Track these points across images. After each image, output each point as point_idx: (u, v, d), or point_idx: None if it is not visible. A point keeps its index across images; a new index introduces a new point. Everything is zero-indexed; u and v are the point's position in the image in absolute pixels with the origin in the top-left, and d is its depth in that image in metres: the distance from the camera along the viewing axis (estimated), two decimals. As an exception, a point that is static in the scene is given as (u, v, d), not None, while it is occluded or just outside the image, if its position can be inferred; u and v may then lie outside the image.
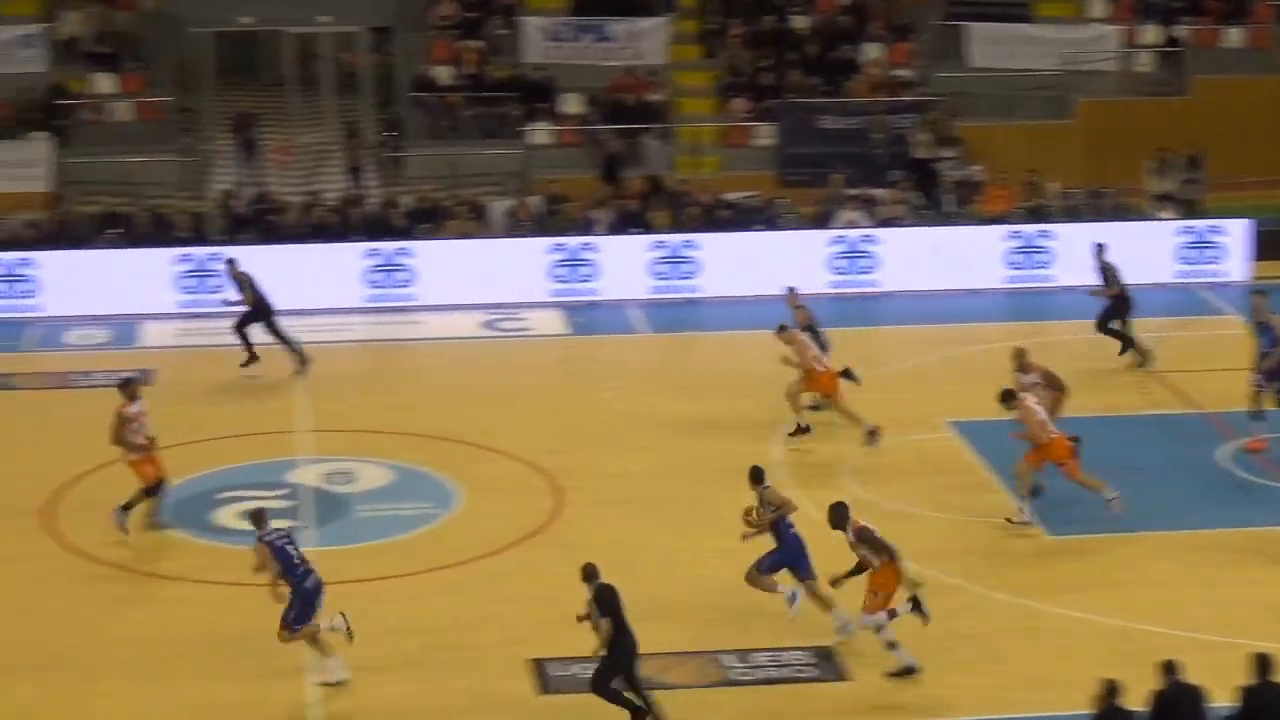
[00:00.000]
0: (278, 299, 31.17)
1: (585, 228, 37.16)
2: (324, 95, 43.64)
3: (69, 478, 26.37)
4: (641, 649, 19.12)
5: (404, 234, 36.62)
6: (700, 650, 20.98)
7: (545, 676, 20.44)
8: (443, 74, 41.20)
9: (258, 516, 20.70)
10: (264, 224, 36.88)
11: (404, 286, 35.64)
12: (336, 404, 29.93)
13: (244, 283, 31.23)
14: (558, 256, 36.09)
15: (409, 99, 41.47)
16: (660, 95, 41.27)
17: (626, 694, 19.19)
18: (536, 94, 40.99)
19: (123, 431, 24.33)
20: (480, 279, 35.59)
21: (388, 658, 20.55)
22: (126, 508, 24.26)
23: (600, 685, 19.22)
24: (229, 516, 25.06)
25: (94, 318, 34.11)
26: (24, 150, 38.50)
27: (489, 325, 34.73)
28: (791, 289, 29.78)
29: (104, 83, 40.37)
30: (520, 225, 37.38)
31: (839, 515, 20.58)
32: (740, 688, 20.29)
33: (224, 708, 19.89)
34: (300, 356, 31.20)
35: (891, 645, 20.18)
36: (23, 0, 42.14)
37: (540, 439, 27.91)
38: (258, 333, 31.24)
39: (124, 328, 33.90)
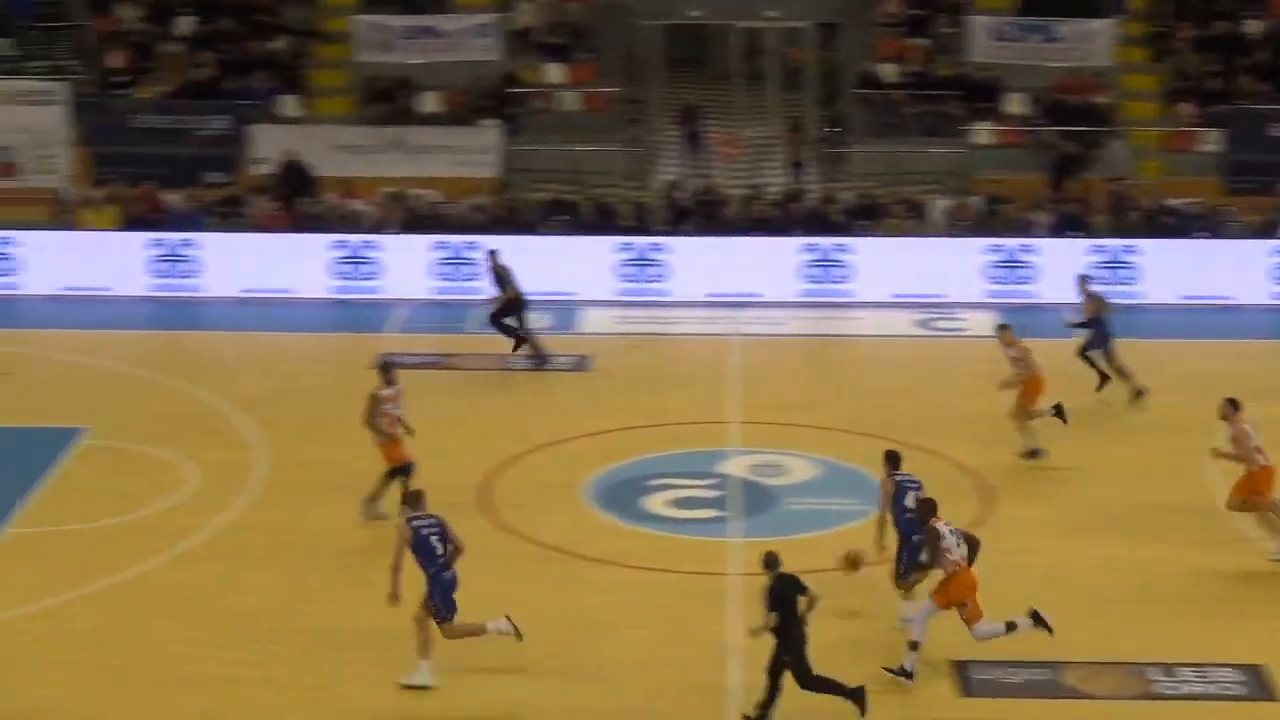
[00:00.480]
0: (719, 290, 31.43)
1: (1024, 229, 36.71)
2: (769, 90, 43.93)
3: (504, 457, 27.07)
4: (1063, 654, 18.82)
5: (842, 230, 36.68)
6: (1123, 660, 20.56)
7: (967, 679, 20.22)
8: (887, 71, 41.08)
9: (415, 498, 20.59)
10: (705, 216, 37.31)
11: (840, 282, 35.69)
12: (768, 396, 30.10)
13: (504, 276, 31.60)
14: (995, 258, 35.73)
15: (852, 95, 41.47)
16: (1105, 98, 40.50)
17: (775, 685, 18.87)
18: (980, 93, 40.59)
19: (374, 413, 24.60)
20: (916, 277, 35.46)
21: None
22: (373, 499, 24.62)
23: (808, 683, 18.94)
24: (658, 503, 25.44)
25: (535, 302, 34.88)
26: (476, 137, 39.57)
27: (923, 324, 34.57)
28: (1084, 276, 29.25)
29: (554, 73, 41.27)
30: (959, 225, 37.10)
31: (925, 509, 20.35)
32: (1164, 702, 19.83)
33: (648, 690, 20.17)
34: (537, 353, 31.47)
35: (913, 646, 19.89)
36: (478, -9, 43.47)
37: (968, 439, 27.65)
38: (514, 323, 31.63)
39: (564, 313, 34.63)
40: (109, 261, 35.16)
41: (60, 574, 23.16)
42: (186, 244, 35.50)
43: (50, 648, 21.22)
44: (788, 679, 19.03)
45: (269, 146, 39.20)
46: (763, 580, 19.16)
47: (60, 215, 36.69)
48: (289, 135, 39.42)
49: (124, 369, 31.10)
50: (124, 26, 41.90)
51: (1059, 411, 26.83)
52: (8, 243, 35.51)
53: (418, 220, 36.71)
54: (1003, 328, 27.79)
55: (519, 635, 20.29)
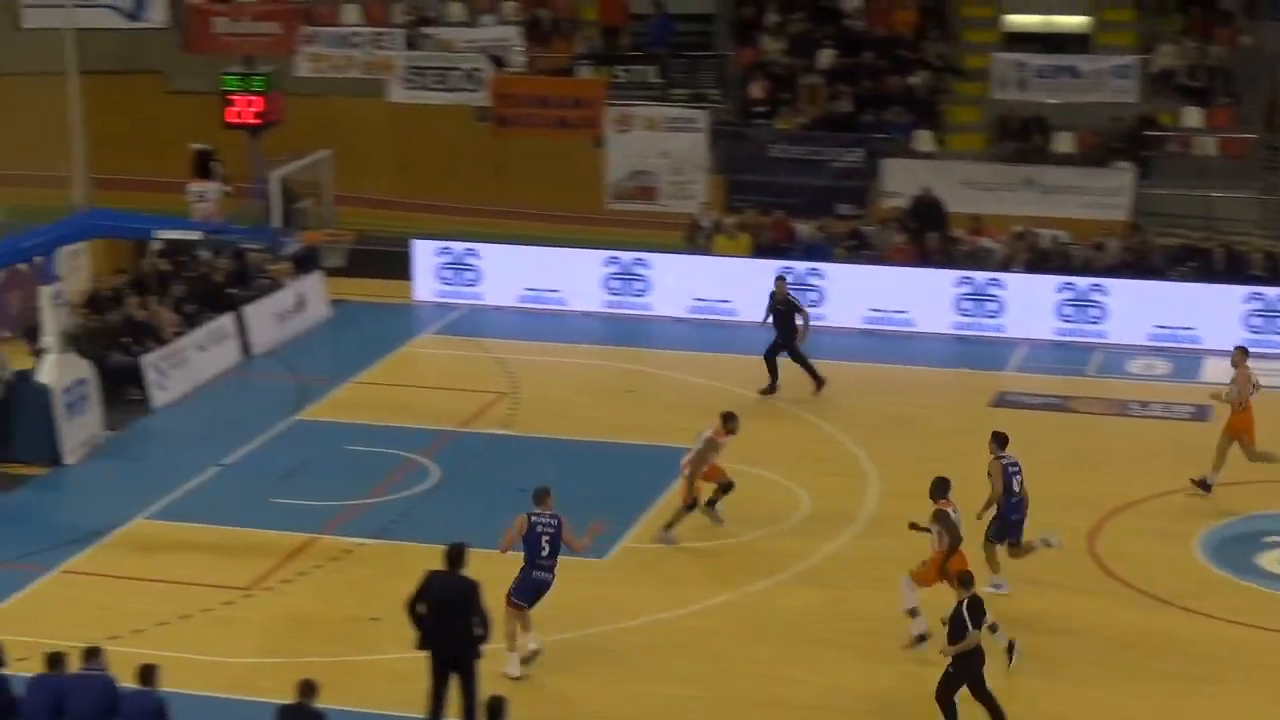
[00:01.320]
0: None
1: None
2: None
3: (1118, 503, 26.72)
4: None
5: None
6: None
7: None
8: None
9: (540, 494, 21.91)
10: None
11: None
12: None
13: (792, 305, 31.61)
14: None
15: None
16: None
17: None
18: None
19: (705, 457, 25.32)
20: None
21: None
22: (668, 525, 25.51)
23: (944, 693, 19.81)
24: (1273, 561, 24.73)
25: (1157, 349, 34.27)
26: (1108, 179, 39.07)
27: None
28: None
29: (1192, 116, 40.42)
30: None
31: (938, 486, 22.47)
32: None
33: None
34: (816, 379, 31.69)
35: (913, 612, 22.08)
36: (1122, 32, 42.91)
37: None
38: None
39: (1187, 361, 33.87)
40: (738, 287, 36.03)
41: (670, 589, 23.97)
42: (814, 273, 36.08)
43: (655, 660, 22.00)
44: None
45: (900, 180, 39.59)
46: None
47: (694, 240, 37.84)
48: (921, 170, 39.69)
49: (743, 391, 31.86)
50: (766, 58, 42.96)
51: None
52: (643, 264, 36.74)
53: (1044, 259, 36.49)
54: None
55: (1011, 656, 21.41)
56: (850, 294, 35.91)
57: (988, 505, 23.83)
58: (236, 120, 37.02)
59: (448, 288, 37.18)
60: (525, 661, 21.67)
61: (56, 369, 28.54)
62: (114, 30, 43.60)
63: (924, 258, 36.73)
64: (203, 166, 38.03)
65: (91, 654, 18.48)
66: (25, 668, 19.35)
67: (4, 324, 31.70)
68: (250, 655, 22.10)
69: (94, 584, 23.99)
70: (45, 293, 28.66)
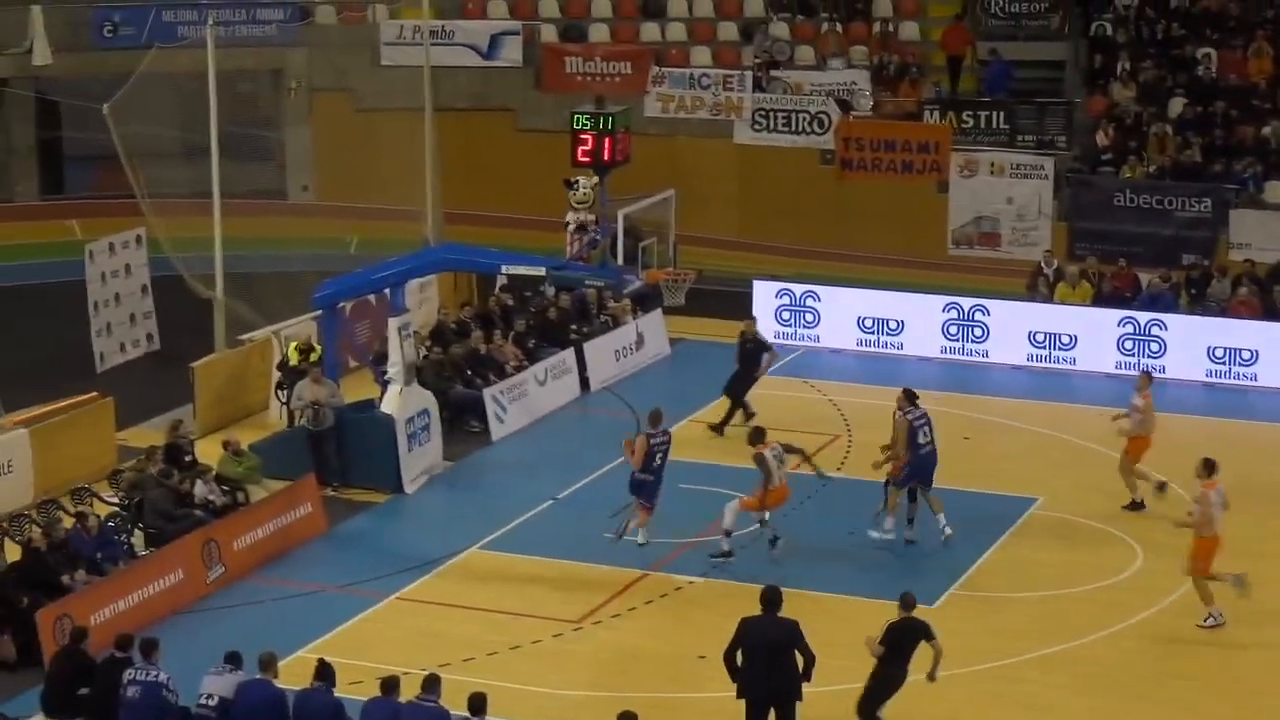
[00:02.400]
0: None
1: None
2: None
3: None
4: None
5: None
6: None
7: None
8: None
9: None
10: None
11: None
12: None
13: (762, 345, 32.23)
14: None
15: None
16: None
17: None
18: None
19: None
20: None
21: None
22: None
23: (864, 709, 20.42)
24: None
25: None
26: None
27: None
28: None
29: None
30: None
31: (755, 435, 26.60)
32: None
33: None
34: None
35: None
36: None
37: None
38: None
39: None
40: (1078, 337, 35.58)
41: (997, 638, 23.81)
42: (1156, 324, 35.44)
43: (977, 710, 21.87)
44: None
45: (1248, 231, 38.80)
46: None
47: (1036, 287, 37.45)
48: (1271, 221, 38.85)
49: (1082, 443, 31.48)
50: (1116, 105, 42.44)
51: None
52: (983, 310, 36.43)
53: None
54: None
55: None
56: (1190, 344, 35.13)
57: (888, 458, 26.62)
58: (586, 159, 37.67)
59: (786, 329, 37.30)
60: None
61: (401, 399, 29.32)
62: (469, 68, 44.77)
63: (1267, 312, 35.82)
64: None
65: (430, 684, 19.01)
66: (358, 691, 19.96)
67: (353, 354, 32.63)
68: (577, 688, 22.44)
69: (427, 611, 24.58)
70: (393, 324, 29.45)
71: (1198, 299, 36.73)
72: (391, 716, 18.85)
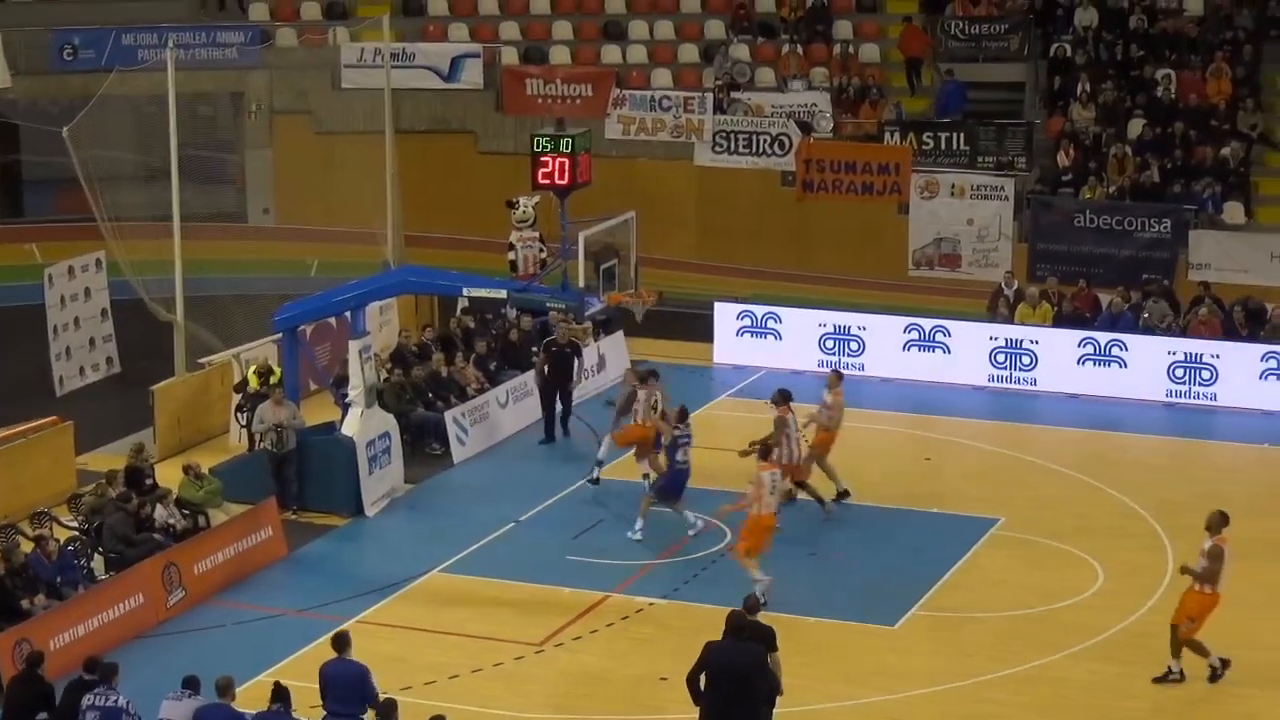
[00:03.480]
0: None
1: None
2: None
3: None
4: None
5: None
6: None
7: None
8: None
9: (683, 413, 28.09)
10: None
11: None
12: None
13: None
14: None
15: None
16: None
17: None
18: None
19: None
20: None
21: None
22: None
23: None
24: None
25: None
26: None
27: None
28: None
29: None
30: None
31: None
32: None
33: None
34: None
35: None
36: None
37: None
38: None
39: None
40: (1037, 358, 35.69)
41: (959, 659, 23.81)
42: (1115, 344, 35.51)
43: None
44: None
45: (1207, 252, 38.98)
46: None
47: (996, 308, 37.55)
48: (1229, 242, 39.06)
49: (1043, 463, 31.58)
50: (1075, 126, 42.59)
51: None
52: (943, 331, 36.49)
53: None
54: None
55: None
56: (1150, 368, 35.23)
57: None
58: (546, 181, 37.65)
59: (747, 351, 37.32)
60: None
61: (362, 422, 29.28)
62: (430, 90, 44.77)
63: (1228, 333, 35.92)
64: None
65: (277, 694, 19.52)
66: (316, 714, 19.92)
67: (313, 377, 32.59)
68: (539, 711, 22.41)
69: (389, 635, 24.49)
70: (354, 347, 29.41)
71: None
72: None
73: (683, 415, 28.37)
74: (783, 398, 28.62)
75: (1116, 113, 42.90)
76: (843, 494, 29.47)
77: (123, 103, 37.64)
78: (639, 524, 27.93)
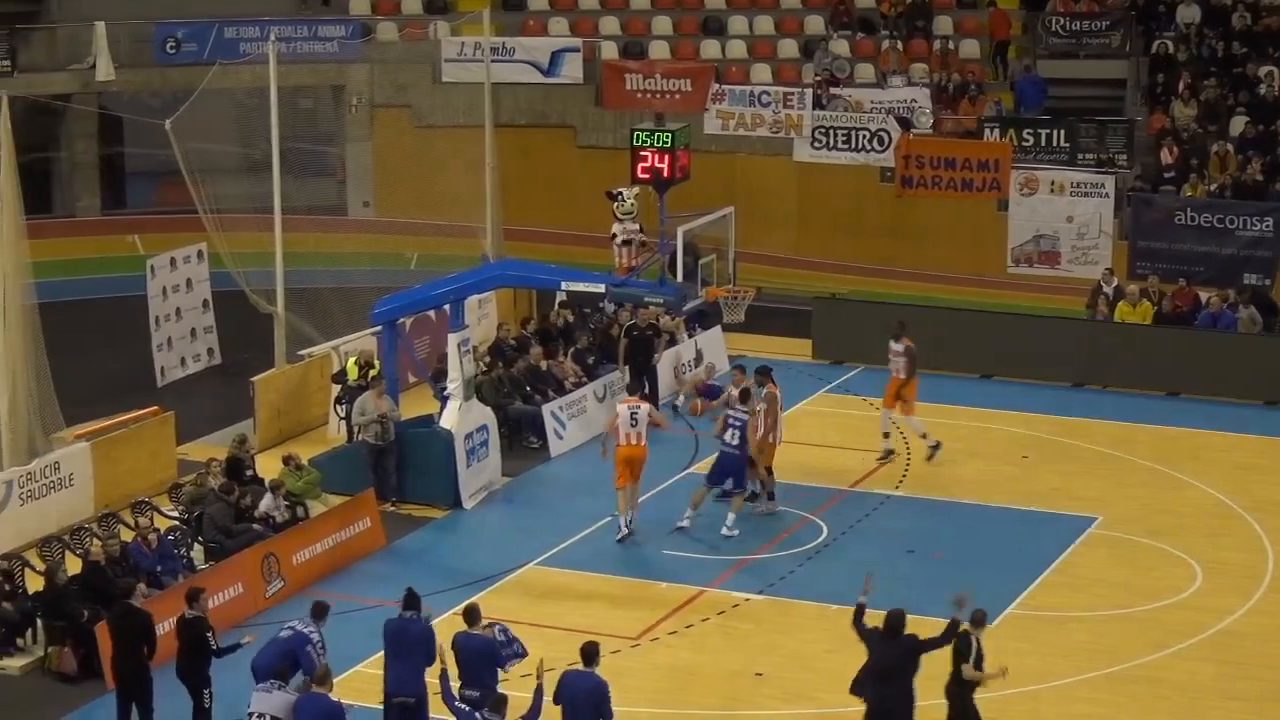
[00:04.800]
0: None
1: None
2: None
3: None
4: None
5: None
6: None
7: None
8: None
9: (745, 394, 27.66)
10: None
11: None
12: None
13: None
14: None
15: None
16: None
17: None
18: None
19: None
20: None
21: None
22: None
23: None
24: None
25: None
26: None
27: None
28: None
29: None
30: None
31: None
32: None
33: None
34: None
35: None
36: None
37: None
38: None
39: None
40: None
41: (1057, 658, 23.71)
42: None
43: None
44: None
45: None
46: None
47: (1096, 306, 37.33)
48: (1332, 240, 38.80)
49: (1141, 461, 31.40)
50: (1177, 124, 42.28)
51: None
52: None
53: None
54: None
55: None
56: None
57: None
58: (646, 176, 37.73)
59: (843, 346, 37.23)
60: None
61: (460, 415, 29.41)
62: (529, 85, 44.89)
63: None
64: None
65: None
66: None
67: (412, 370, 32.76)
68: (635, 705, 22.38)
69: (486, 626, 24.59)
70: (453, 340, 29.54)
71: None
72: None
73: (744, 396, 28.23)
74: (766, 375, 28.73)
75: (1218, 110, 42.56)
76: (770, 495, 29.03)
77: (224, 96, 37.99)
78: (729, 519, 27.89)
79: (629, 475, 27.71)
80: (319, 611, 20.97)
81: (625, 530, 27.81)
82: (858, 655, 22.89)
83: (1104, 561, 27.22)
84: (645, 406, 28.20)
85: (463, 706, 19.27)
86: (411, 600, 20.78)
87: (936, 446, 31.15)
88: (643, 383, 32.47)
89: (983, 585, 25.81)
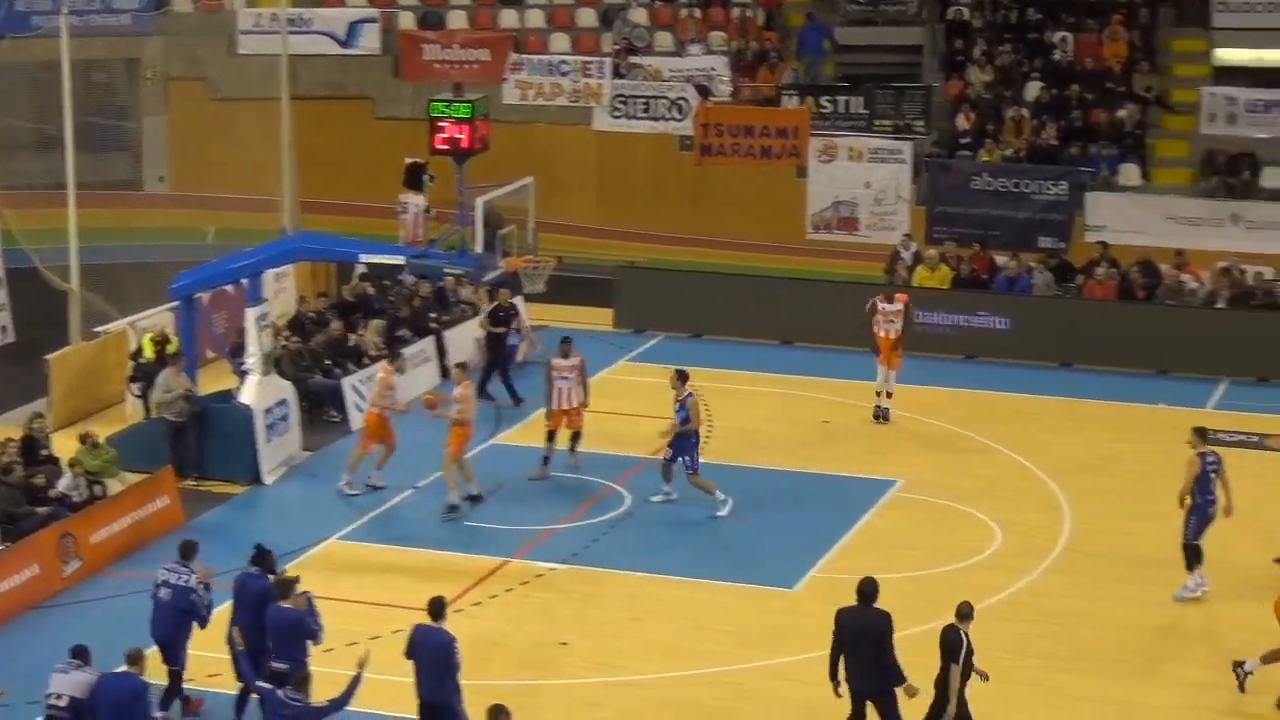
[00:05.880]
0: None
1: None
2: None
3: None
4: None
5: None
6: None
7: None
8: None
9: (1202, 433, 24.83)
10: None
11: None
12: None
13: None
14: None
15: None
16: None
17: None
18: None
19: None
20: None
21: None
22: None
23: None
24: None
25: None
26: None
27: None
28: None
29: None
30: None
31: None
32: None
33: None
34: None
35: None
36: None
37: None
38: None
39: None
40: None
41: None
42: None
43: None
44: None
45: (1104, 214, 39.25)
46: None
47: (894, 271, 37.70)
48: (1125, 204, 39.35)
49: (945, 426, 31.76)
50: (973, 90, 42.77)
51: None
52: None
53: (1248, 296, 35.91)
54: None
55: None
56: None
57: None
58: (444, 146, 37.50)
59: (645, 314, 37.32)
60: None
61: (259, 389, 29.10)
62: (327, 56, 44.46)
63: (1123, 294, 36.22)
64: (413, 179, 38.55)
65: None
66: (214, 684, 19.81)
67: (210, 345, 32.35)
68: (439, 676, 22.31)
69: (288, 602, 24.35)
70: (250, 314, 29.21)
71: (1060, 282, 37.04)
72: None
73: (684, 377, 28.05)
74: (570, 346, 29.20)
75: (1014, 76, 43.10)
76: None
77: (16, 70, 37.21)
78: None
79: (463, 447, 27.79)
80: (188, 551, 21.08)
81: (457, 502, 27.73)
82: (661, 621, 23.12)
83: (905, 524, 27.50)
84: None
85: (264, 685, 19.08)
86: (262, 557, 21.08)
87: (885, 413, 31.83)
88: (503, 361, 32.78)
89: (785, 549, 26.20)
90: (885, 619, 19.74)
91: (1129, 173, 40.50)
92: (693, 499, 27.89)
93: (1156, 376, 34.82)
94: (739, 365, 34.85)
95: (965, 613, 19.86)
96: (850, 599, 22.39)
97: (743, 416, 31.98)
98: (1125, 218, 38.96)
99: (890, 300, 32.11)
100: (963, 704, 19.66)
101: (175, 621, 20.76)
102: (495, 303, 33.30)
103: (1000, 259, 37.27)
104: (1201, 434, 24.90)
